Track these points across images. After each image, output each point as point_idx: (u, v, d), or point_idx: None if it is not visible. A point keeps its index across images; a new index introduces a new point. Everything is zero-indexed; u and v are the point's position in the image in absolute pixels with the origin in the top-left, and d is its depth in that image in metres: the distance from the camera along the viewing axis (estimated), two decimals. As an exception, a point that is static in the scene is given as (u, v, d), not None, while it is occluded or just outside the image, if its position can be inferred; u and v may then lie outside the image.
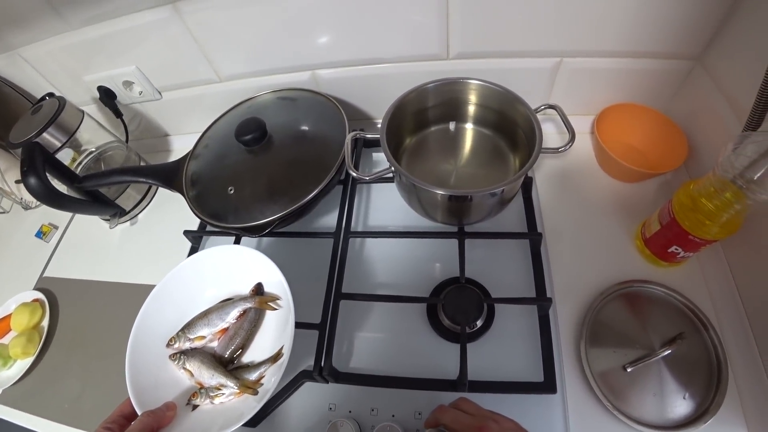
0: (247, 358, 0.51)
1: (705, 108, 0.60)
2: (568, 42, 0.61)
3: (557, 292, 0.57)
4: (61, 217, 0.81)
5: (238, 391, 0.46)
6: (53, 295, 0.70)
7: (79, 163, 0.70)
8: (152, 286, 0.66)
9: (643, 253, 0.59)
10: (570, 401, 0.50)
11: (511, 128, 0.60)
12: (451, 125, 0.66)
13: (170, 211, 0.76)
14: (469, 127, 0.66)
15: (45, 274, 0.74)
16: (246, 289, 0.53)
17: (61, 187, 0.64)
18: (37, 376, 0.63)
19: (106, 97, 0.73)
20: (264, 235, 0.59)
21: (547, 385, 0.50)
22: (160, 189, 0.80)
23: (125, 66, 0.70)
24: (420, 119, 0.65)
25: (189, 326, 0.51)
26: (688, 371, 0.50)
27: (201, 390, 0.47)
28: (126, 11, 0.62)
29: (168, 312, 0.52)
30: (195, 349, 0.51)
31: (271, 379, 0.45)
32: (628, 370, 0.50)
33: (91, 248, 0.76)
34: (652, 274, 0.57)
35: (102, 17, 0.63)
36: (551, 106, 0.58)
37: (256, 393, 0.45)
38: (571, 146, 0.53)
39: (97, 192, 0.68)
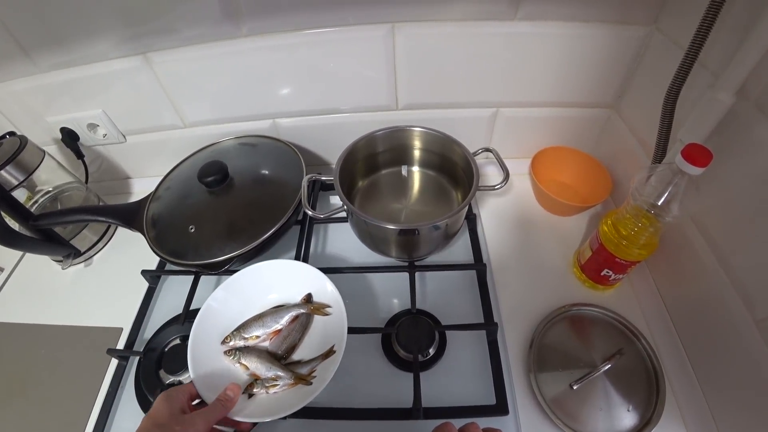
0: (297, 357, 0.55)
1: (622, 148, 0.69)
2: (502, 94, 0.69)
3: (504, 319, 0.61)
4: (7, 258, 0.78)
5: (292, 382, 0.50)
6: (-8, 341, 0.66)
7: (35, 202, 0.70)
8: (106, 328, 0.65)
9: (580, 278, 0.64)
10: (523, 422, 0.52)
11: (453, 169, 0.67)
12: (404, 170, 0.72)
13: (126, 253, 0.76)
14: (415, 170, 0.73)
15: (-15, 320, 0.70)
16: (297, 298, 0.58)
17: (13, 226, 0.63)
18: (-33, 431, 0.58)
19: (69, 138, 0.74)
20: (222, 273, 0.61)
21: (499, 407, 0.52)
22: (118, 232, 0.80)
23: (91, 109, 0.72)
24: (371, 163, 0.70)
25: (244, 327, 0.55)
26: (629, 384, 0.54)
27: (257, 381, 0.51)
28: (97, 59, 0.65)
29: (231, 305, 0.57)
30: (248, 346, 0.54)
31: (330, 368, 0.49)
32: (575, 387, 0.53)
33: (40, 290, 0.73)
34: (589, 297, 0.62)
35: (72, 63, 0.65)
36: (488, 150, 0.64)
37: (310, 383, 0.50)
38: (506, 184, 0.59)
39: (52, 231, 0.67)
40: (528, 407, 0.53)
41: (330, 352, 0.52)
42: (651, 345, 0.56)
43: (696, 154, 0.43)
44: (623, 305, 0.60)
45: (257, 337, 0.54)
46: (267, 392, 0.50)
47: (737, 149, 0.46)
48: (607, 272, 0.59)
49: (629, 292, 0.62)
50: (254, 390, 0.50)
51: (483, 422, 0.50)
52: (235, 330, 0.55)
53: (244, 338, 0.54)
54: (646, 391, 0.54)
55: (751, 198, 0.45)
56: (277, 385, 0.50)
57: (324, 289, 0.57)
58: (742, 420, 0.46)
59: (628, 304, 0.61)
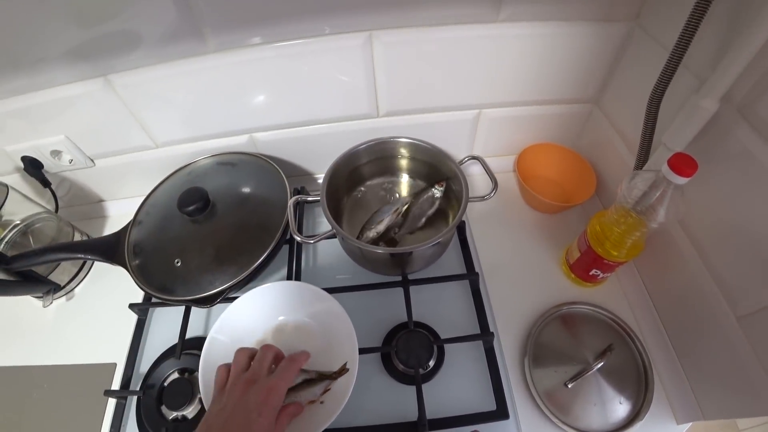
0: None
1: (605, 143, 0.69)
2: (484, 96, 0.68)
3: (499, 324, 0.62)
4: (-17, 300, 0.74)
5: (311, 399, 0.51)
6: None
7: (2, 239, 0.66)
8: (99, 365, 0.63)
9: (569, 277, 0.65)
10: (523, 424, 0.54)
11: (442, 178, 0.65)
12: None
13: (111, 283, 0.73)
14: (404, 180, 0.71)
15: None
16: (305, 318, 0.59)
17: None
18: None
19: (32, 167, 0.69)
20: (215, 304, 0.59)
21: (500, 412, 0.54)
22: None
23: (53, 135, 0.67)
24: (356, 177, 0.69)
25: None
26: (620, 378, 0.57)
27: None
28: (55, 83, 0.60)
29: (237, 335, 0.56)
30: None
31: (345, 386, 0.50)
32: (569, 386, 0.56)
33: (23, 331, 0.70)
34: (579, 295, 0.64)
35: (28, 88, 0.60)
36: (474, 158, 0.64)
37: (335, 379, 0.52)
38: (495, 193, 0.59)
39: (28, 270, 0.64)
40: (527, 409, 0.55)
41: (342, 370, 0.52)
42: (639, 338, 0.59)
43: (682, 165, 0.43)
44: (612, 301, 0.63)
45: None
46: None
47: (719, 152, 0.47)
48: (596, 272, 0.60)
49: (617, 288, 0.65)
50: None
51: (485, 429, 0.53)
52: None
53: None
54: (636, 382, 0.57)
55: (731, 199, 0.46)
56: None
57: (329, 306, 0.56)
58: (722, 403, 0.50)
59: (616, 300, 0.63)
